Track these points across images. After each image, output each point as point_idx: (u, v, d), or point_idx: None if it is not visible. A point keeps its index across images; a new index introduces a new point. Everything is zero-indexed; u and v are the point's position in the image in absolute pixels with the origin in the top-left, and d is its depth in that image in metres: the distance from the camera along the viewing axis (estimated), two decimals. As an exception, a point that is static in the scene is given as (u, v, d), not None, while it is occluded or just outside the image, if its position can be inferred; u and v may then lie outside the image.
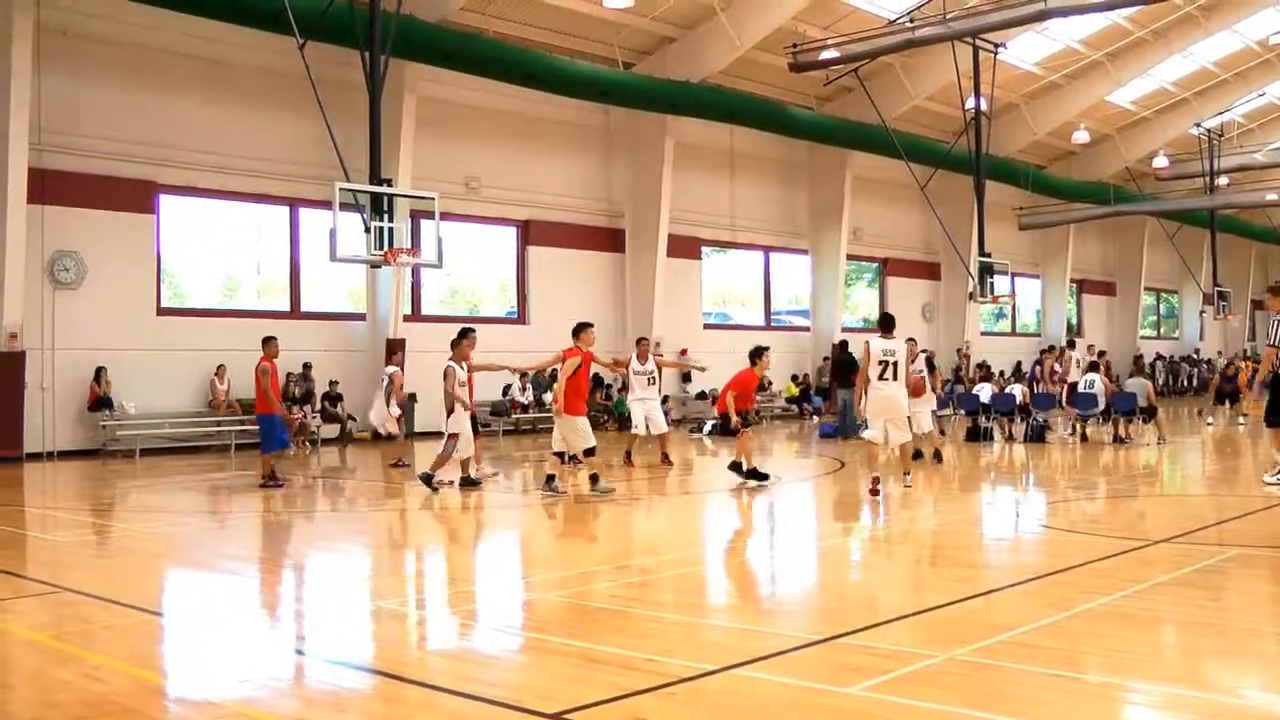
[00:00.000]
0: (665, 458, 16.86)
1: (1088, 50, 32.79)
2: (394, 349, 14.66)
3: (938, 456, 16.80)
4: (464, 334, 14.32)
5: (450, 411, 13.96)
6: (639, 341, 18.11)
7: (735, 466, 14.38)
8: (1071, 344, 27.76)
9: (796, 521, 12.50)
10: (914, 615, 6.90)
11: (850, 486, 15.22)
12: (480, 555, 10.55)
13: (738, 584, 8.64)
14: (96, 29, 20.45)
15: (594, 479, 13.11)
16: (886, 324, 12.88)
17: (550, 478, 13.26)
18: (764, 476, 14.18)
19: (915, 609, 7.10)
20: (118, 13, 19.84)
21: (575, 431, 13.07)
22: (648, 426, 16.87)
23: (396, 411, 17.67)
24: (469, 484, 14.18)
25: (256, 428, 21.27)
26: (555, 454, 14.03)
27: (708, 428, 24.50)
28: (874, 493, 12.27)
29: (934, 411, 16.99)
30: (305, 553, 10.60)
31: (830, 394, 22.45)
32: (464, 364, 14.18)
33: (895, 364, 12.40)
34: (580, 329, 13.42)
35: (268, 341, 14.92)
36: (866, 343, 12.76)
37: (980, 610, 7.18)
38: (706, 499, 14.00)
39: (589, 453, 13.10)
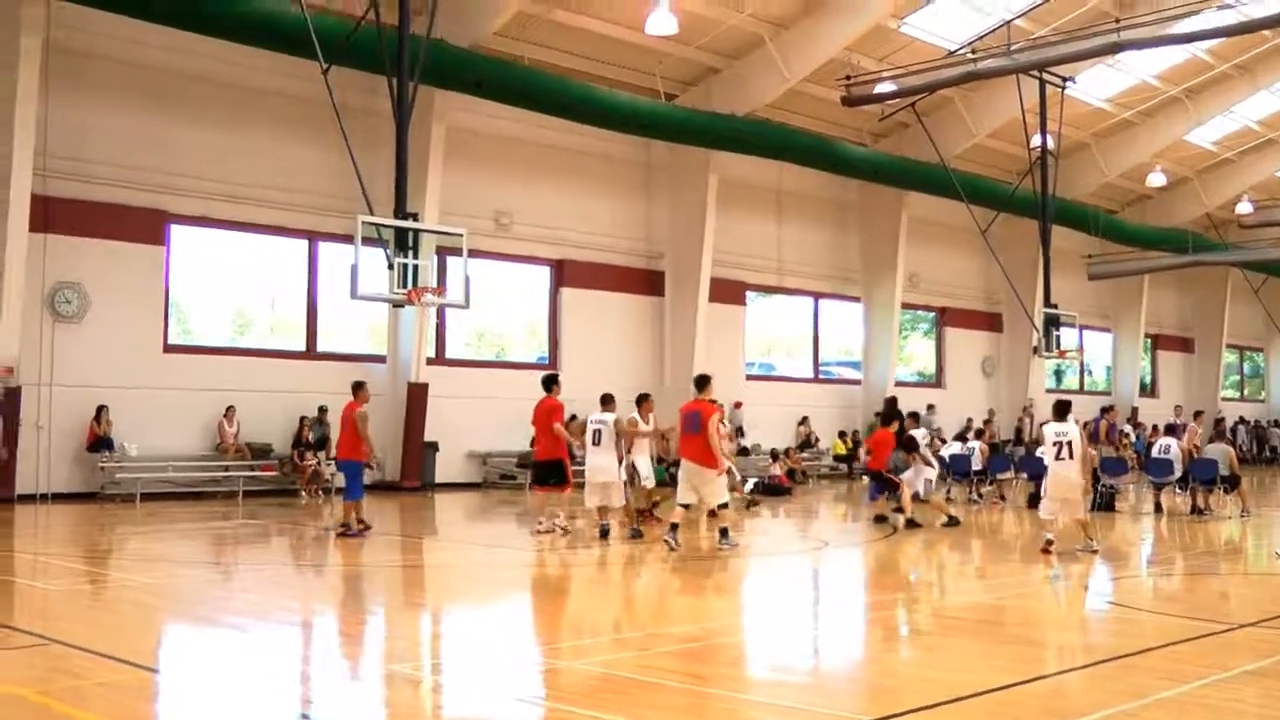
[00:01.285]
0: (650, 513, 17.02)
1: (1164, 86, 32.72)
2: (607, 397, 15.43)
3: (911, 523, 17.33)
4: (646, 396, 16.28)
5: (624, 457, 15.42)
6: (644, 399, 17.94)
7: (911, 524, 16.64)
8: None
9: (847, 590, 12.40)
10: (971, 697, 6.79)
11: (902, 551, 15.09)
12: (506, 617, 10.48)
13: (780, 656, 8.55)
14: (108, 49, 20.71)
15: (724, 532, 14.05)
16: (1061, 411, 14.29)
17: (673, 526, 13.78)
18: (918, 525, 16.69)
19: (973, 690, 6.99)
20: (131, 33, 20.11)
21: (717, 484, 14.03)
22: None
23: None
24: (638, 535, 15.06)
25: (262, 472, 21.79)
26: (682, 505, 14.23)
27: (749, 486, 24.41)
28: (1045, 552, 13.56)
29: (928, 479, 18.07)
30: (313, 609, 10.61)
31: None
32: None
33: (1069, 443, 13.76)
34: (707, 381, 14.42)
35: (360, 387, 16.14)
36: (1042, 426, 15.56)
37: (1044, 694, 7.08)
38: (750, 563, 13.90)
39: (724, 506, 14.39)
